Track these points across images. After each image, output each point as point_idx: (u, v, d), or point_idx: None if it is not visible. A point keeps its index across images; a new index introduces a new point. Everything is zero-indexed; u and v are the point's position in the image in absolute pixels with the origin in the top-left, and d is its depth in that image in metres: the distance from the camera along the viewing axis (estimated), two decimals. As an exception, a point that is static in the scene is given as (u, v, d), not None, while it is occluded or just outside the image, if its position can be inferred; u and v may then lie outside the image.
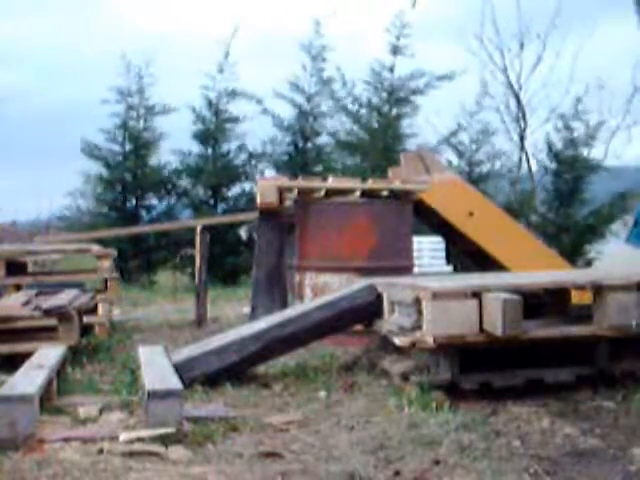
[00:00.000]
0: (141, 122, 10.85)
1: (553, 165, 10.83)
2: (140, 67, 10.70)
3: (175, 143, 10.95)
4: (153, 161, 10.90)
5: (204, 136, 10.81)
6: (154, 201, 11.01)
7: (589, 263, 10.12)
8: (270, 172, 10.84)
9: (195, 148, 10.90)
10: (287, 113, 10.95)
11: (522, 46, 12.97)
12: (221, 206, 10.85)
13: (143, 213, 10.92)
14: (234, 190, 10.98)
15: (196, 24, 33.89)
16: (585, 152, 10.95)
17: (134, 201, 10.84)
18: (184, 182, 10.94)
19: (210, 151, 10.86)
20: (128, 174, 10.64)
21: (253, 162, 11.02)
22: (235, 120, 10.89)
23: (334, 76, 10.82)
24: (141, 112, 10.84)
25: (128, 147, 10.74)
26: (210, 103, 10.78)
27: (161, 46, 29.41)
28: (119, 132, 10.72)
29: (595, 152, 11.25)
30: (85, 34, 36.26)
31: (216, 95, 10.79)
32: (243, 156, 10.95)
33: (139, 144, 10.73)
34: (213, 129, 10.79)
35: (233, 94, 10.80)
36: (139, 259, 10.44)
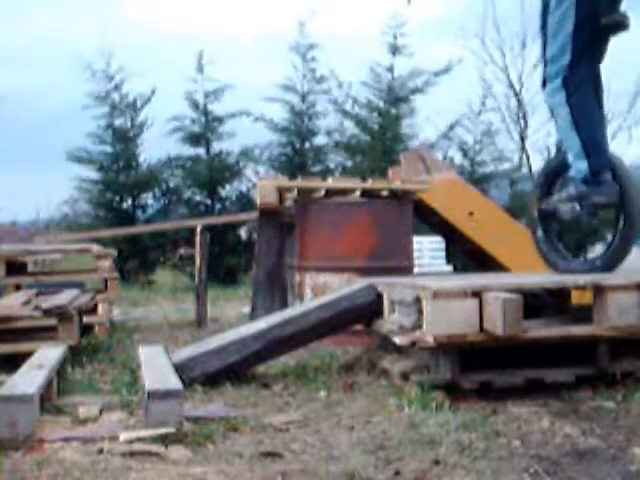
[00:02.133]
0: (128, 120, 10.80)
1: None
2: (104, 68, 10.67)
3: (172, 142, 10.97)
4: (146, 161, 10.91)
5: (196, 137, 10.80)
6: (150, 201, 11.03)
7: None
8: (268, 172, 10.85)
9: (191, 148, 10.89)
10: (282, 114, 10.96)
11: (524, 45, 12.99)
12: (217, 206, 10.84)
13: (139, 213, 10.93)
14: (230, 190, 10.99)
15: (191, 21, 33.90)
16: None
17: (130, 201, 10.84)
18: (179, 182, 10.94)
19: (204, 151, 10.85)
20: (122, 175, 10.64)
21: (249, 162, 11.02)
22: (230, 118, 10.88)
23: (328, 76, 10.83)
24: (123, 108, 10.77)
25: (119, 147, 10.72)
26: (196, 105, 10.75)
27: (156, 42, 29.44)
28: (107, 134, 10.70)
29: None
30: (82, 32, 36.23)
31: (204, 95, 10.76)
32: (237, 156, 10.94)
33: (129, 144, 10.71)
34: (204, 129, 10.77)
35: (221, 92, 10.78)
36: (137, 259, 10.45)
